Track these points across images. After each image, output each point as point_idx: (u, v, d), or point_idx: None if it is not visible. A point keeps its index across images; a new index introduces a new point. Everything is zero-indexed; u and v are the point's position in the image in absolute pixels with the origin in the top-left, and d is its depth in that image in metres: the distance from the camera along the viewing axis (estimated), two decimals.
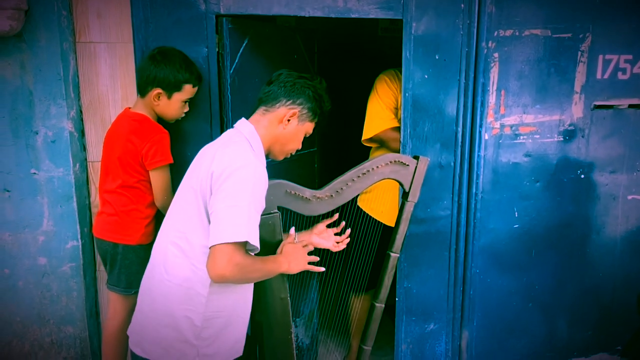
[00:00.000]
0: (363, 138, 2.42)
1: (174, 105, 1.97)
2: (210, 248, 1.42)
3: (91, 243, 2.25)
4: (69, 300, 2.24)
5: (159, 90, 1.93)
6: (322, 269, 1.76)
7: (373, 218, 2.46)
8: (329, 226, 1.93)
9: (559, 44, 2.18)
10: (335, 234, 1.92)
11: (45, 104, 2.08)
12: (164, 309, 1.55)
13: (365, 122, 2.41)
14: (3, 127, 2.10)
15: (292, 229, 1.81)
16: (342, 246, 1.92)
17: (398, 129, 2.29)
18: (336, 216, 1.89)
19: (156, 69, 1.91)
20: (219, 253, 1.40)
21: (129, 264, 2.03)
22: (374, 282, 2.05)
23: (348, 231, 1.94)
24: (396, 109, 2.36)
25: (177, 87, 1.94)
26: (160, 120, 2.02)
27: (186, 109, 2.03)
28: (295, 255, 1.68)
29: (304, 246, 1.77)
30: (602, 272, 2.46)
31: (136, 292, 1.94)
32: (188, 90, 1.97)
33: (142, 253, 1.99)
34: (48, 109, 2.08)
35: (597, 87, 2.25)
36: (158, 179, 1.97)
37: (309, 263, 1.73)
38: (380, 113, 2.35)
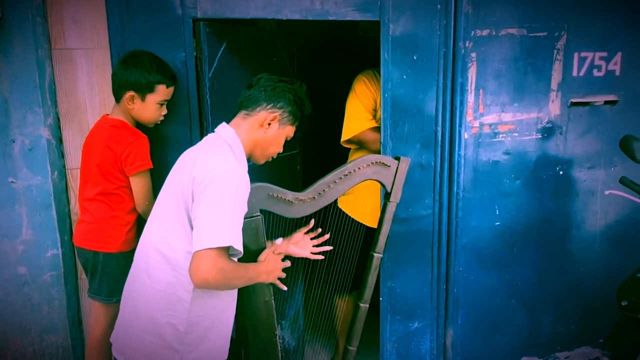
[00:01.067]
0: (342, 139, 2.42)
1: (149, 107, 1.95)
2: (193, 253, 1.41)
3: (71, 251, 2.22)
4: (50, 309, 2.21)
5: (131, 93, 1.91)
6: (285, 287, 1.77)
7: (355, 220, 2.46)
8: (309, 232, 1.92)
9: (535, 43, 2.21)
10: (312, 238, 1.91)
11: (21, 112, 2.05)
12: (146, 316, 1.54)
13: (344, 123, 2.42)
14: None
15: (280, 239, 1.80)
16: (320, 256, 1.91)
17: (377, 129, 2.29)
18: (312, 223, 1.89)
19: (127, 72, 1.89)
20: (203, 258, 1.40)
21: (109, 272, 2.00)
22: (358, 283, 2.06)
23: (326, 236, 1.93)
24: (375, 109, 2.37)
25: (150, 89, 1.92)
26: (139, 125, 2.01)
27: (164, 112, 2.01)
28: (275, 266, 1.69)
29: (280, 256, 1.75)
30: (583, 267, 2.50)
31: (118, 300, 1.91)
32: (162, 91, 1.95)
33: (123, 261, 1.97)
34: (24, 117, 2.06)
35: (573, 84, 2.29)
36: (138, 184, 1.96)
37: (283, 270, 1.73)
38: (358, 114, 2.36)
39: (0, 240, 2.14)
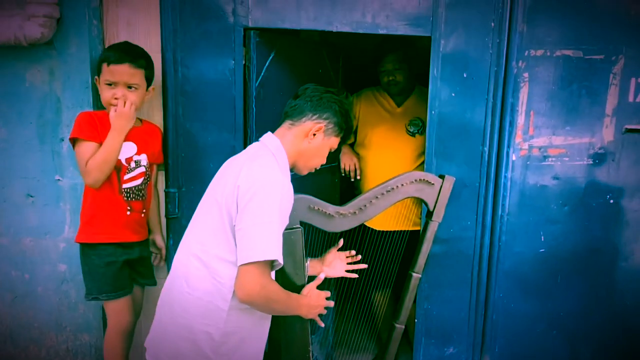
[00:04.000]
0: None
1: (101, 88, 1.95)
2: (239, 267, 1.40)
3: None
4: (86, 308, 2.24)
5: (96, 77, 1.98)
6: (323, 324, 1.75)
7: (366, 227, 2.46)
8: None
9: (591, 66, 2.14)
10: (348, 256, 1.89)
11: (72, 112, 2.09)
12: (183, 322, 1.53)
13: None
14: (30, 133, 2.13)
15: (322, 274, 1.78)
16: (354, 275, 1.89)
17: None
18: (341, 242, 1.88)
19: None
20: (248, 272, 1.39)
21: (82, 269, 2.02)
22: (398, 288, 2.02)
23: (358, 257, 1.91)
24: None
25: (99, 69, 1.94)
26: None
27: (117, 94, 1.91)
28: (317, 302, 1.68)
29: (324, 294, 1.73)
30: (630, 301, 2.38)
31: (95, 298, 1.97)
32: (105, 70, 1.91)
33: (81, 253, 1.99)
34: (74, 116, 2.09)
35: (628, 110, 2.20)
36: (76, 152, 1.94)
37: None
38: None
39: (43, 237, 2.18)
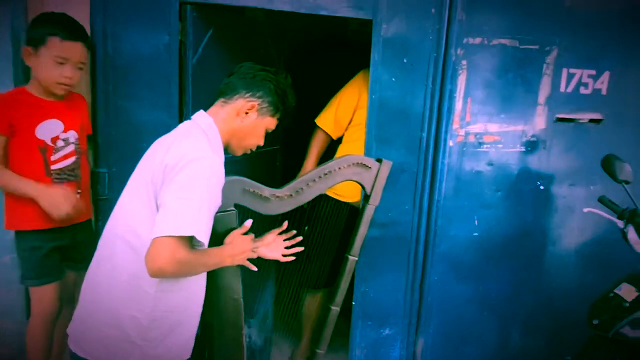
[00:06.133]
0: (317, 119, 2.47)
1: (43, 63, 1.79)
2: (152, 239, 1.34)
3: None
4: (8, 293, 2.11)
5: (27, 48, 1.80)
6: (255, 268, 1.71)
7: (339, 201, 2.44)
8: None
9: (526, 55, 2.19)
10: (286, 239, 1.86)
11: None
12: (108, 307, 1.46)
13: (326, 106, 2.45)
14: None
15: (248, 221, 1.73)
16: (290, 258, 1.85)
17: (325, 139, 2.44)
18: (285, 225, 1.83)
19: (28, 27, 1.82)
20: (162, 246, 1.32)
21: (18, 254, 1.92)
22: (332, 281, 2.01)
23: (298, 238, 1.87)
24: (350, 117, 2.40)
25: (42, 41, 1.78)
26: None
27: (66, 73, 1.82)
28: (242, 248, 1.62)
29: (249, 237, 1.69)
30: (557, 283, 2.49)
31: (32, 284, 1.88)
32: (56, 44, 1.78)
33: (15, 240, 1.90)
34: None
35: (560, 100, 2.28)
36: None
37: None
38: (330, 112, 2.41)
39: None
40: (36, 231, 1.86)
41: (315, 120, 2.44)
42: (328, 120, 2.41)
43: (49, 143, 1.85)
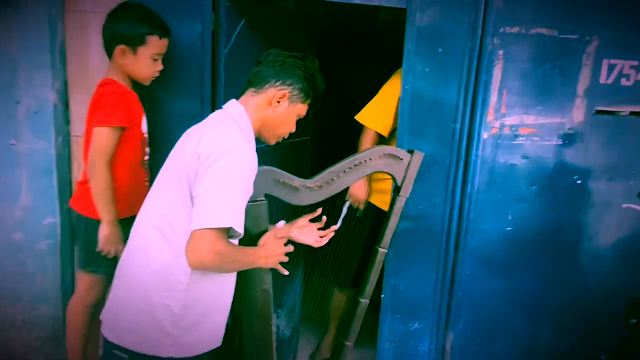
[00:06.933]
0: (357, 116, 2.36)
1: (142, 61, 1.85)
2: (191, 232, 1.35)
3: (70, 220, 2.16)
4: (44, 278, 2.16)
5: (122, 46, 1.82)
6: (286, 272, 1.69)
7: (368, 202, 2.41)
8: (313, 220, 1.85)
9: (565, 45, 2.12)
10: (319, 229, 1.84)
11: (29, 73, 1.99)
12: (140, 295, 1.48)
13: (369, 103, 2.35)
14: None
15: (282, 222, 1.74)
16: (324, 242, 1.84)
17: (375, 138, 2.33)
18: (319, 211, 1.82)
19: (116, 25, 1.81)
20: (201, 238, 1.34)
21: (89, 239, 1.89)
22: (358, 281, 2.00)
23: (334, 227, 1.86)
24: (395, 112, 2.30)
25: (141, 40, 1.82)
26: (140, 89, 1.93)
27: (159, 67, 1.89)
28: (275, 250, 1.61)
29: (282, 241, 1.68)
30: (592, 281, 2.42)
31: (94, 271, 1.88)
32: (154, 43, 1.84)
33: (84, 225, 1.92)
34: (32, 79, 1.99)
35: (599, 92, 2.20)
36: (95, 138, 1.79)
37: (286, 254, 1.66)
38: (379, 110, 2.31)
39: None
40: (127, 219, 1.87)
41: (358, 119, 2.35)
42: (374, 117, 2.33)
43: (145, 134, 1.95)
